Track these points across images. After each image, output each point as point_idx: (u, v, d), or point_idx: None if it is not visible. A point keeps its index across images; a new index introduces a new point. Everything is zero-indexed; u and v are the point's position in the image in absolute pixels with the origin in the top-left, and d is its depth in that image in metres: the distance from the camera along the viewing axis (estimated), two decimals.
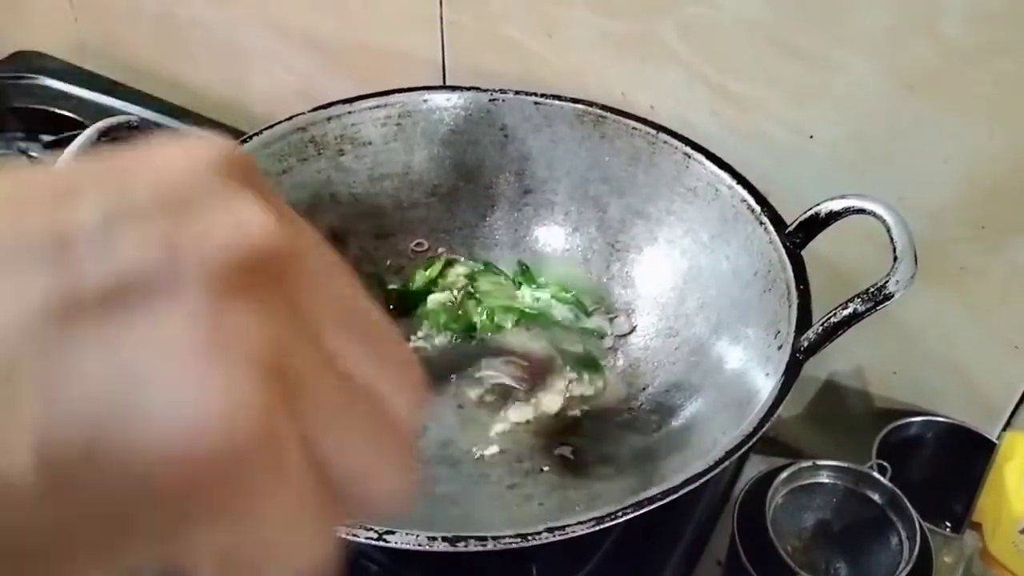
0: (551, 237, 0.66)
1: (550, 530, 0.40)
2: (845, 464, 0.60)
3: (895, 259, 0.47)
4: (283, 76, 0.83)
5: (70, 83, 0.89)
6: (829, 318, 0.47)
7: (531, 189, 0.66)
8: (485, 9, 0.67)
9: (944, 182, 0.56)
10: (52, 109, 0.85)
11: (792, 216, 0.59)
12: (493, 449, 0.56)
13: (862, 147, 0.58)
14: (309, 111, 0.63)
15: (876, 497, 0.59)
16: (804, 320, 0.49)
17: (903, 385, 0.66)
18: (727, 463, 0.43)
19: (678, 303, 0.60)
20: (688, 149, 0.60)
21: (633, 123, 0.63)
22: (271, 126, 0.62)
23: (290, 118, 0.62)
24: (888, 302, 0.46)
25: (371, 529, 0.40)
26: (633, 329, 0.62)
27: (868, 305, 0.46)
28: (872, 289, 0.46)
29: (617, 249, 0.64)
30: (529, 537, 0.39)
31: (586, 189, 0.65)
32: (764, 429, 0.45)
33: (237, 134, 0.81)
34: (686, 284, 0.60)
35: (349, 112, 0.64)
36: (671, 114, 0.63)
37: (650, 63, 0.62)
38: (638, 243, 0.63)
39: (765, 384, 0.48)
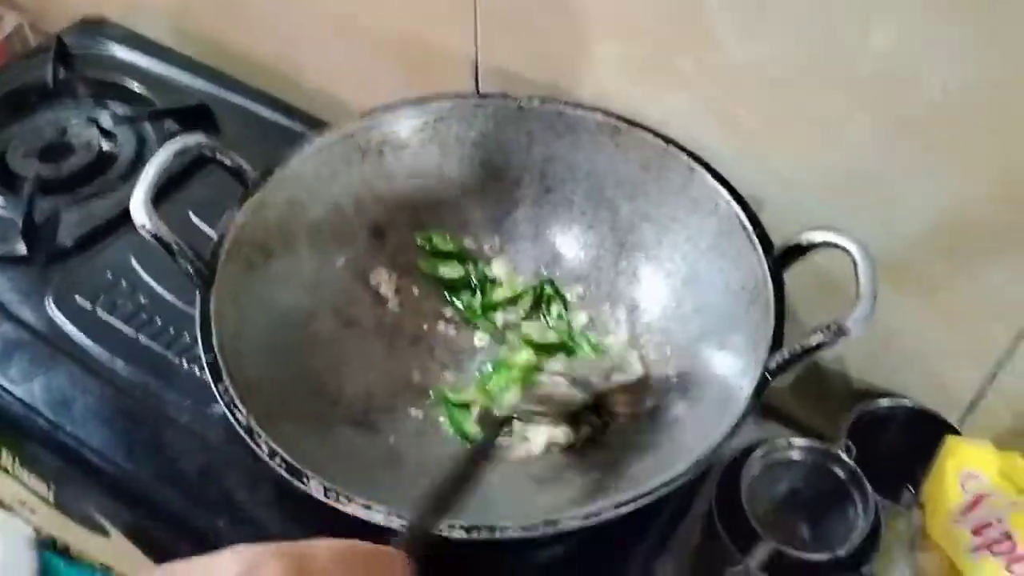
0: (569, 233, 0.74)
1: (547, 523, 0.49)
2: (815, 443, 0.69)
3: (857, 297, 0.54)
4: (330, 58, 0.90)
5: (136, 51, 0.96)
6: (796, 345, 0.55)
7: (552, 189, 0.73)
8: (519, 22, 0.73)
9: (922, 213, 0.63)
10: (120, 81, 0.92)
11: (786, 232, 0.67)
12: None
13: (851, 178, 0.64)
14: (355, 119, 0.71)
15: (840, 473, 0.68)
16: (777, 341, 0.57)
17: (879, 371, 0.74)
18: (697, 471, 0.52)
19: (676, 304, 0.68)
20: (693, 163, 0.67)
21: (646, 134, 0.69)
22: (322, 134, 0.69)
23: (339, 126, 0.70)
24: (846, 337, 0.54)
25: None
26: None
27: (829, 338, 0.54)
28: (833, 326, 0.54)
29: (626, 248, 0.72)
30: (529, 528, 0.49)
31: (602, 191, 0.72)
32: (734, 435, 0.54)
33: (289, 109, 0.89)
34: (684, 287, 0.68)
35: (390, 118, 0.71)
36: (681, 130, 0.69)
37: (665, 87, 0.68)
38: (645, 244, 0.71)
39: (739, 396, 0.56)
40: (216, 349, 0.56)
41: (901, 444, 0.73)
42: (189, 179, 0.82)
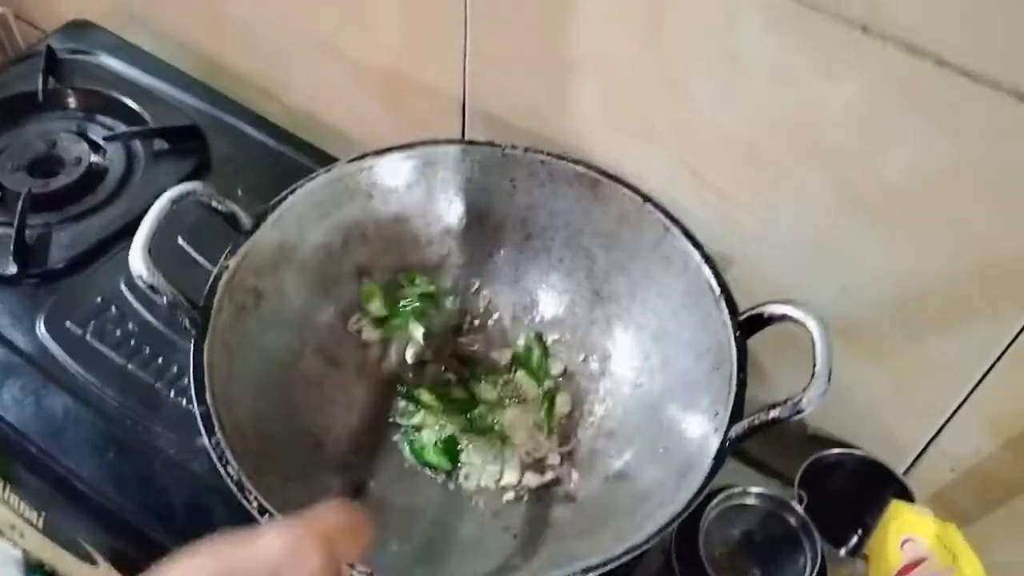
0: (547, 279, 0.77)
1: None
2: (769, 492, 0.73)
3: (812, 376, 0.58)
4: (318, 80, 0.92)
5: (125, 62, 0.97)
6: (755, 419, 0.59)
7: (532, 235, 0.76)
8: (506, 71, 0.76)
9: (881, 283, 0.67)
10: (110, 94, 0.93)
11: (751, 288, 0.70)
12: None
13: (814, 244, 0.68)
14: (345, 162, 0.73)
15: (792, 521, 0.73)
16: (737, 411, 0.61)
17: (833, 421, 0.78)
18: (660, 535, 0.56)
19: (644, 358, 0.71)
20: (668, 222, 0.70)
21: (624, 189, 0.72)
22: (312, 178, 0.71)
23: (328, 170, 0.72)
24: (802, 414, 0.58)
25: None
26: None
27: (786, 414, 0.58)
28: (790, 402, 0.58)
29: (601, 297, 0.75)
30: None
31: (579, 240, 0.75)
32: (694, 506, 0.57)
33: (277, 130, 0.91)
34: (654, 342, 0.71)
35: (379, 162, 0.74)
36: (657, 184, 0.72)
37: (642, 142, 0.71)
38: (619, 295, 0.74)
39: (699, 461, 0.60)
40: (209, 401, 0.59)
41: (851, 490, 0.78)
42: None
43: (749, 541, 0.76)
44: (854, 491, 0.77)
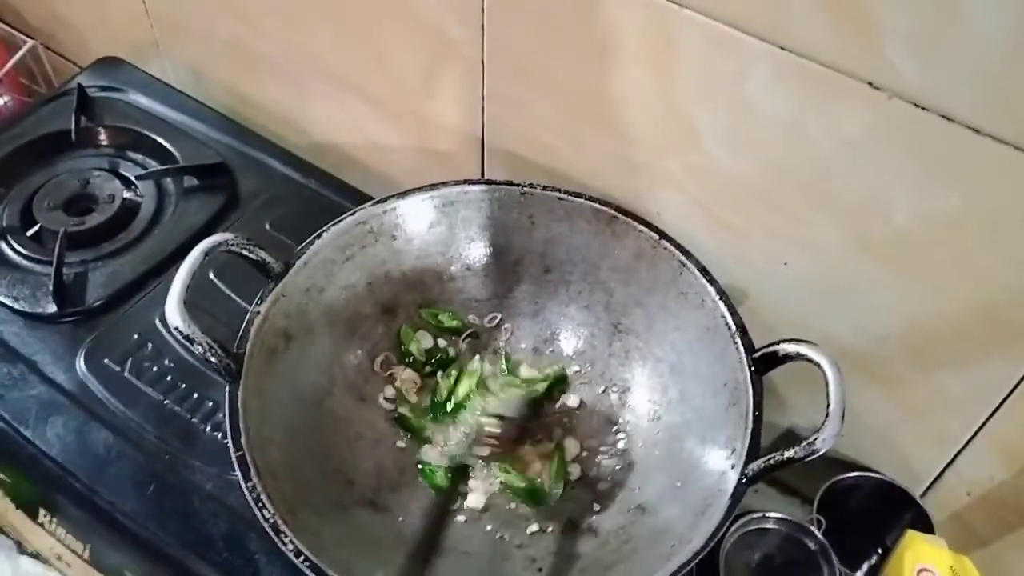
0: (566, 312, 0.79)
1: None
2: (788, 517, 0.75)
3: (826, 416, 0.60)
4: (341, 115, 0.94)
5: (152, 98, 1.00)
6: (771, 459, 0.61)
7: (551, 269, 0.78)
8: (523, 113, 0.78)
9: (889, 320, 0.68)
10: (140, 130, 0.96)
11: (767, 316, 0.72)
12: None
13: (826, 282, 0.69)
14: (369, 205, 0.75)
15: (810, 545, 0.75)
16: (753, 449, 0.63)
17: (848, 445, 0.80)
18: (680, 572, 0.58)
19: (663, 391, 0.73)
20: (683, 259, 0.72)
21: (640, 226, 0.74)
22: (338, 221, 0.74)
23: (353, 213, 0.75)
24: (817, 455, 0.60)
25: None
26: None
27: (802, 455, 0.60)
28: (805, 443, 0.60)
29: (619, 330, 0.77)
30: None
31: (597, 275, 0.77)
32: (713, 543, 0.60)
33: (302, 164, 0.93)
34: (672, 375, 0.73)
35: (402, 204, 0.76)
36: (673, 222, 0.74)
37: (657, 184, 0.73)
38: (637, 328, 0.76)
39: (717, 498, 0.62)
40: (244, 444, 0.62)
41: (868, 512, 0.79)
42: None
43: (769, 564, 0.78)
44: (872, 513, 0.79)
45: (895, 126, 0.57)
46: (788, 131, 0.62)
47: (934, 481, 0.77)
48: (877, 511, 0.79)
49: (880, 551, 0.82)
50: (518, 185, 0.76)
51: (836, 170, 0.62)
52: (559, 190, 0.76)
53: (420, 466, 0.73)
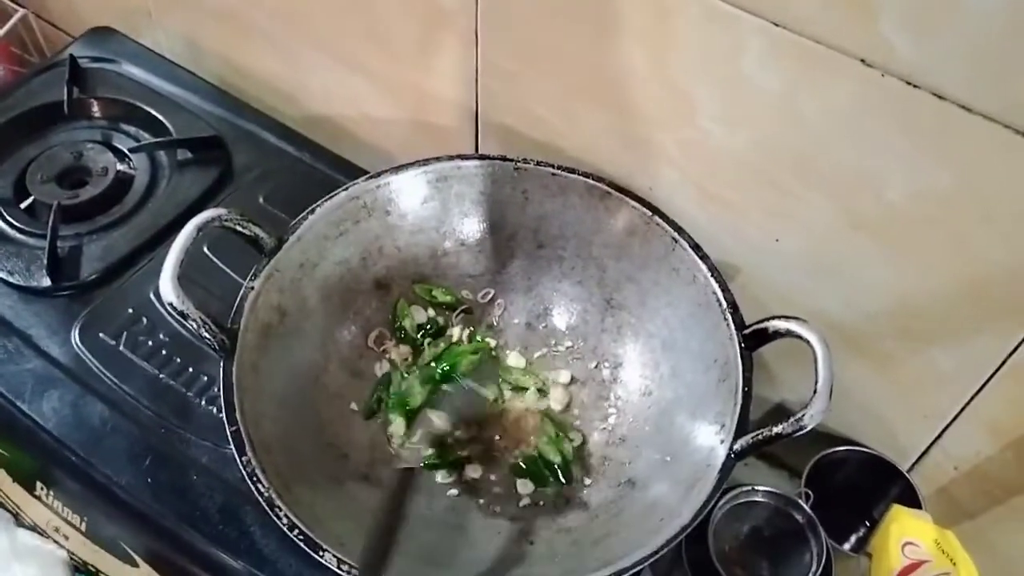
0: (559, 287, 0.79)
1: None
2: (776, 490, 0.76)
3: (814, 393, 0.60)
4: (335, 87, 0.94)
5: (145, 69, 0.99)
6: (759, 435, 0.62)
7: (544, 244, 0.79)
8: (517, 86, 0.77)
9: (880, 296, 0.69)
10: (133, 102, 0.95)
11: (759, 292, 0.73)
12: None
13: (817, 259, 0.70)
14: (362, 180, 0.75)
15: (799, 518, 0.75)
16: (742, 425, 0.64)
17: (837, 420, 0.80)
18: (668, 547, 0.59)
19: (654, 366, 0.74)
20: (676, 235, 0.72)
21: (633, 202, 0.74)
22: (331, 197, 0.74)
23: (346, 188, 0.75)
24: (804, 431, 0.60)
25: None
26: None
27: (789, 430, 0.60)
28: (793, 419, 0.60)
29: (612, 306, 0.77)
30: None
31: (590, 250, 0.77)
32: (701, 517, 0.60)
33: (296, 137, 0.93)
34: (663, 351, 0.74)
35: (395, 179, 0.76)
36: (665, 197, 0.74)
37: (651, 159, 0.73)
38: (629, 304, 0.76)
39: (706, 473, 0.63)
40: (239, 420, 0.62)
41: (856, 486, 0.80)
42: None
43: (757, 537, 0.79)
44: (860, 487, 0.80)
45: (887, 103, 0.57)
46: (782, 107, 0.62)
47: (922, 455, 0.77)
48: (865, 485, 0.80)
49: (868, 524, 0.83)
50: (512, 160, 0.76)
51: (829, 147, 0.62)
52: (553, 165, 0.76)
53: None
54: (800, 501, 0.75)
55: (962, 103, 0.54)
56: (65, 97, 0.95)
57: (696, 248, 0.71)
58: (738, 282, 0.75)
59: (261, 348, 0.68)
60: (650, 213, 0.73)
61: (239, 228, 0.68)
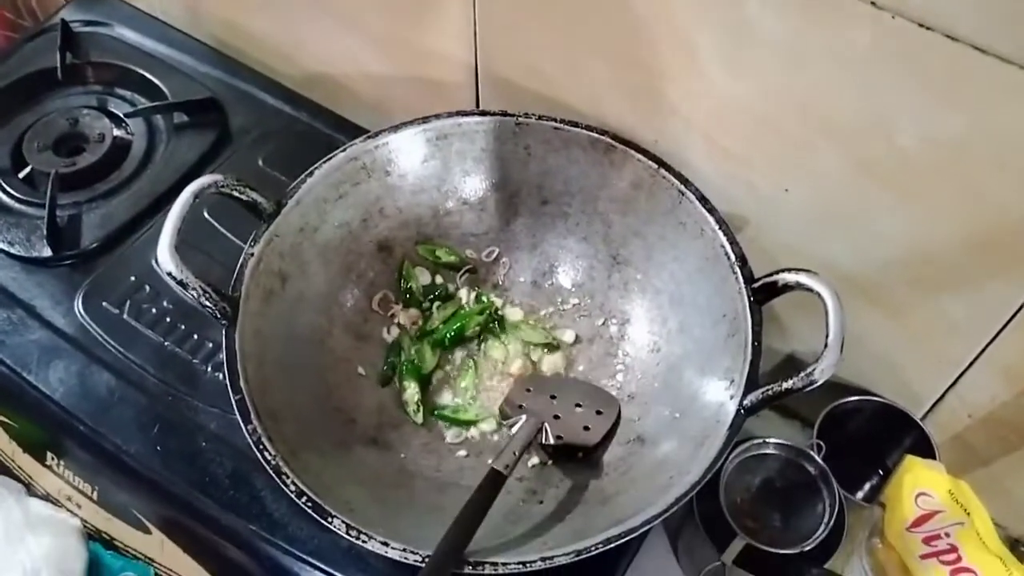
0: (564, 244, 0.78)
1: (543, 559, 0.56)
2: (788, 442, 0.75)
3: (825, 346, 0.59)
4: (332, 43, 0.91)
5: (138, 31, 0.97)
6: (769, 390, 0.61)
7: (548, 200, 0.77)
8: (517, 38, 0.75)
9: (892, 245, 0.67)
10: (127, 66, 0.94)
11: (767, 244, 0.71)
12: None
13: (827, 208, 0.68)
14: (360, 140, 0.74)
15: (811, 469, 0.75)
16: (752, 380, 0.63)
17: (849, 369, 0.79)
18: (678, 505, 0.59)
19: (662, 321, 0.73)
20: (682, 187, 0.71)
21: (638, 155, 0.73)
22: (329, 158, 0.73)
23: (344, 149, 0.73)
24: (815, 385, 0.59)
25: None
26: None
27: (800, 385, 0.60)
28: (803, 373, 0.59)
29: (618, 262, 0.76)
30: (527, 564, 0.56)
31: (595, 206, 0.76)
32: (711, 475, 0.60)
33: (293, 96, 0.91)
34: (671, 306, 0.72)
35: (394, 138, 0.74)
36: (671, 149, 0.73)
37: (655, 111, 0.71)
38: (635, 259, 0.75)
39: (715, 430, 0.62)
40: (243, 388, 0.62)
41: (870, 435, 0.80)
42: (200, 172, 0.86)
43: (769, 489, 0.79)
44: (873, 436, 0.80)
45: (898, 46, 0.55)
46: (788, 53, 0.60)
47: (936, 403, 0.76)
48: (878, 434, 0.80)
49: (880, 473, 0.82)
50: (513, 115, 0.75)
51: (837, 93, 0.60)
52: (555, 119, 0.74)
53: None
54: (812, 453, 0.75)
55: (976, 44, 0.52)
56: (58, 63, 0.93)
57: (703, 200, 0.70)
58: (747, 234, 0.74)
59: (263, 315, 0.67)
60: (656, 166, 0.72)
61: (236, 194, 0.67)
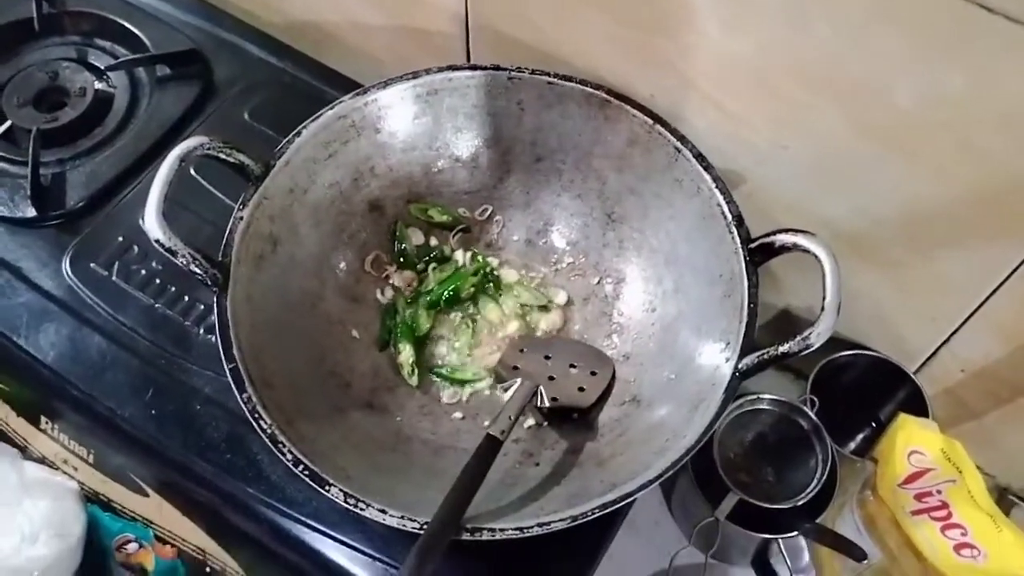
0: (559, 201, 0.77)
1: (540, 524, 0.57)
2: (782, 398, 0.76)
3: (822, 309, 0.59)
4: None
5: None
6: (765, 354, 0.61)
7: (542, 157, 0.76)
8: None
9: (889, 203, 0.66)
10: (107, 15, 0.91)
11: (765, 202, 0.71)
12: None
13: (826, 165, 0.67)
14: (348, 97, 0.72)
15: (804, 424, 0.76)
16: (748, 343, 0.62)
17: (844, 324, 0.79)
18: (674, 468, 0.59)
19: (657, 281, 0.72)
20: (679, 144, 0.70)
21: (633, 110, 0.71)
22: (317, 117, 0.71)
23: (332, 107, 0.71)
24: (811, 349, 0.59)
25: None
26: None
27: (796, 349, 0.59)
28: (800, 337, 0.59)
29: (613, 220, 0.75)
30: (524, 530, 0.57)
31: (590, 162, 0.75)
32: (707, 438, 0.60)
33: (278, 46, 0.89)
34: (667, 265, 0.72)
35: (383, 94, 0.73)
36: (668, 106, 0.71)
37: (651, 66, 0.70)
38: (631, 217, 0.74)
39: (711, 392, 0.62)
40: (236, 356, 0.61)
41: (863, 389, 0.80)
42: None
43: (762, 443, 0.79)
44: (866, 389, 0.80)
45: (899, 3, 0.53)
46: (787, 8, 0.58)
47: (929, 358, 0.77)
48: (871, 387, 0.80)
49: (873, 425, 0.83)
50: (505, 69, 0.73)
51: (837, 50, 0.59)
52: (548, 74, 0.73)
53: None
54: (806, 408, 0.75)
55: (982, 3, 0.51)
56: (34, 12, 0.90)
57: (700, 158, 0.69)
58: (743, 191, 0.73)
59: (255, 280, 0.66)
60: (651, 122, 0.70)
61: (223, 156, 0.66)
